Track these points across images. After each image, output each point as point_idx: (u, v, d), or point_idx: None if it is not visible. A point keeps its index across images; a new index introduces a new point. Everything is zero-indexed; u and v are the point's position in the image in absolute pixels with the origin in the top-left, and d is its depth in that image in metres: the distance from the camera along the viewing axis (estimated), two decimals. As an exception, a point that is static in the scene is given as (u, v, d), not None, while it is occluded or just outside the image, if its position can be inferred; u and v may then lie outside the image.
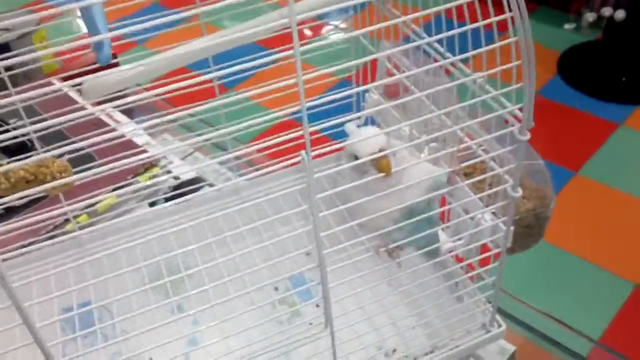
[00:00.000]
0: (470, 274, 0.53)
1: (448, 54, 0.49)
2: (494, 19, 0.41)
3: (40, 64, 1.00)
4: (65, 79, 0.93)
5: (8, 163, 0.46)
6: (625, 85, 2.19)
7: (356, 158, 0.52)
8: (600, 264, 1.64)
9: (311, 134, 0.40)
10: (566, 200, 1.79)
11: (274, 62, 0.40)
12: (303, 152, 0.39)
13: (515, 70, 0.42)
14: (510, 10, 0.39)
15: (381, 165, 0.51)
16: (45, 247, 0.64)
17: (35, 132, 0.53)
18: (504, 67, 0.41)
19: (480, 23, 0.41)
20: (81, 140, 0.41)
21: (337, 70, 0.41)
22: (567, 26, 2.41)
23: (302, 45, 0.35)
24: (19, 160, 0.43)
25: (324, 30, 2.23)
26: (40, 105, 0.73)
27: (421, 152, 0.58)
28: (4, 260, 0.36)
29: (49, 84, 0.91)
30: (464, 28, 0.42)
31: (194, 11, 0.35)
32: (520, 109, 0.43)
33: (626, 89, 2.18)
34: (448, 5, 0.43)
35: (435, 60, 0.51)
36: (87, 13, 0.40)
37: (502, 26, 0.42)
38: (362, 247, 0.58)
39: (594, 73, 2.24)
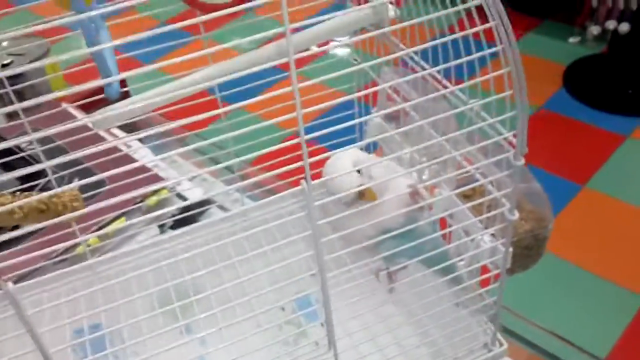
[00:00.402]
0: (471, 295, 0.54)
1: (445, 82, 0.51)
2: (486, 52, 0.42)
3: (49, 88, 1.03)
4: (75, 99, 0.96)
5: (20, 190, 0.48)
6: (631, 98, 2.20)
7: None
8: (608, 277, 1.64)
9: (313, 151, 0.41)
10: (573, 214, 1.79)
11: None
12: (304, 181, 0.40)
13: (509, 97, 0.43)
14: (501, 43, 0.40)
15: (366, 197, 0.52)
16: (56, 271, 0.66)
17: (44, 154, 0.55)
18: (497, 96, 0.43)
19: (475, 56, 0.42)
20: (95, 166, 0.43)
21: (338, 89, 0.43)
22: (572, 39, 2.42)
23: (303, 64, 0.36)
24: (29, 185, 0.44)
25: (331, 45, 2.26)
26: (47, 125, 0.75)
27: (422, 174, 0.59)
28: (15, 283, 0.38)
29: (64, 111, 0.93)
30: (458, 61, 0.43)
31: (198, 37, 0.36)
32: (515, 135, 0.44)
33: (632, 101, 2.19)
34: (444, 40, 0.44)
35: (433, 86, 0.53)
36: (97, 54, 0.42)
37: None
38: (366, 268, 0.59)
39: (599, 86, 2.25)
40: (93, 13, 0.29)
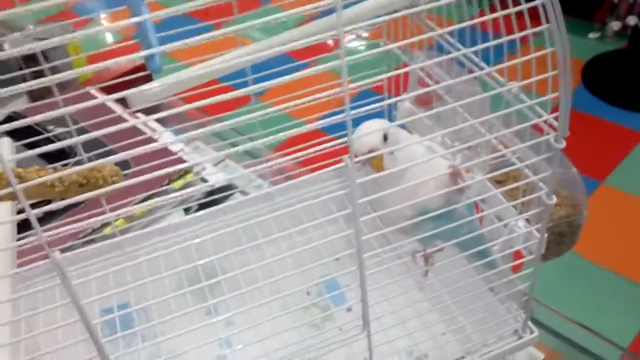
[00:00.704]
0: (503, 280, 0.54)
1: (483, 64, 0.50)
2: (530, 31, 0.42)
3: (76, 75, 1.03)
4: (102, 88, 0.96)
5: (56, 169, 0.48)
6: (651, 95, 2.18)
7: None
8: (626, 273, 1.63)
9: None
10: (591, 210, 1.78)
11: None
12: (346, 157, 0.40)
13: (551, 80, 0.43)
14: (548, 22, 0.40)
15: (371, 164, 0.53)
16: (87, 250, 0.66)
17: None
18: (541, 76, 0.42)
19: (517, 35, 0.42)
20: (120, 148, 0.43)
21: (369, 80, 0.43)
22: (591, 35, 2.40)
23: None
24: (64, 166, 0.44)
25: (347, 39, 2.25)
26: (79, 113, 0.75)
27: (455, 159, 0.59)
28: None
29: (87, 93, 0.94)
30: (499, 40, 0.43)
31: (229, 29, 0.36)
32: (556, 118, 0.44)
33: (652, 99, 2.17)
34: (484, 19, 0.44)
35: (470, 71, 0.52)
36: (140, 27, 0.42)
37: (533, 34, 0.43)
38: (394, 253, 0.59)
39: (618, 82, 2.23)
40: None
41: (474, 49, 0.46)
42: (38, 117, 0.32)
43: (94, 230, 0.74)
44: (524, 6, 0.41)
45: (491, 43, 0.44)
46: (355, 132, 0.55)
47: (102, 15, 2.40)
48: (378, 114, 0.68)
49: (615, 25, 2.27)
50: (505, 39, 0.43)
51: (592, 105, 2.17)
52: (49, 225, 0.62)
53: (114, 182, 0.43)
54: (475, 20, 0.44)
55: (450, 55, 0.47)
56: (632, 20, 2.18)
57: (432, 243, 0.56)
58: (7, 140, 0.60)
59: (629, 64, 2.27)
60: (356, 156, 0.51)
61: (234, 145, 0.95)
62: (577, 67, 2.29)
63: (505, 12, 0.42)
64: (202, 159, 0.92)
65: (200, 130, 0.41)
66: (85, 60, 1.07)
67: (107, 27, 0.36)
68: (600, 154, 2.00)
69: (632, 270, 1.63)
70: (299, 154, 0.45)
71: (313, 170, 0.74)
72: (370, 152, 0.52)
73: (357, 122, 0.49)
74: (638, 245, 1.70)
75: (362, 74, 0.61)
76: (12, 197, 0.35)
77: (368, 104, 0.48)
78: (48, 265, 0.65)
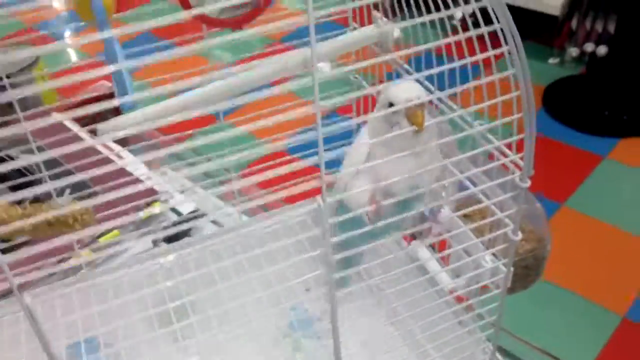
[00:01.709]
0: (471, 314, 0.55)
1: (450, 103, 0.51)
2: (496, 77, 0.43)
3: (40, 97, 1.02)
4: (66, 110, 0.95)
5: (24, 206, 0.48)
6: (609, 119, 2.24)
7: (390, 106, 0.49)
8: (587, 295, 1.66)
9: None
10: (553, 232, 1.82)
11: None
12: (319, 198, 0.40)
13: (516, 120, 0.44)
14: (512, 67, 0.41)
15: (416, 115, 0.47)
16: (54, 284, 0.65)
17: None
18: (506, 119, 0.43)
19: (485, 80, 0.43)
20: (81, 171, 0.42)
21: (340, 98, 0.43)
22: (551, 60, 2.47)
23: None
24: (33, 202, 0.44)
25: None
26: (40, 136, 0.74)
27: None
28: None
29: (61, 125, 0.92)
30: (466, 85, 0.44)
31: (192, 47, 0.36)
32: (522, 158, 0.45)
33: (609, 123, 2.24)
34: (440, 42, 0.45)
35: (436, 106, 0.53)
36: (116, 76, 0.42)
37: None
38: (365, 286, 0.60)
39: (578, 106, 2.29)
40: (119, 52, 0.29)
41: (444, 92, 0.47)
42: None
43: (59, 261, 0.72)
44: (484, 29, 0.42)
45: (457, 89, 0.46)
46: (392, 86, 0.51)
47: (67, 34, 2.37)
48: (348, 135, 0.68)
49: (573, 51, 2.34)
50: (462, 61, 0.44)
51: (552, 129, 2.23)
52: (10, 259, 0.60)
53: (84, 220, 0.42)
54: (446, 67, 0.45)
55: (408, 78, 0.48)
56: (589, 47, 2.25)
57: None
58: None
59: (587, 89, 2.34)
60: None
61: (204, 172, 0.95)
62: (538, 91, 2.35)
63: (465, 35, 0.43)
64: (169, 186, 0.91)
65: (164, 150, 0.39)
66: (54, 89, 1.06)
67: (83, 76, 0.35)
68: (561, 176, 2.04)
69: (593, 292, 1.67)
70: (268, 172, 0.43)
71: (286, 200, 0.74)
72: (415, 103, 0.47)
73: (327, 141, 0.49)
74: (600, 267, 1.74)
75: (330, 92, 0.62)
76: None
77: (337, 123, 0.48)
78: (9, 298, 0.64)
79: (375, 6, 0.57)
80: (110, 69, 0.29)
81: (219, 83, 0.50)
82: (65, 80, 0.32)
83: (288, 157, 0.66)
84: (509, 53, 0.41)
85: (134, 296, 0.53)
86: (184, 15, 0.44)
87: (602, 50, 2.22)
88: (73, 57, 2.60)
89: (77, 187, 0.78)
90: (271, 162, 0.55)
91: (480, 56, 0.44)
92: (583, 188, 2.00)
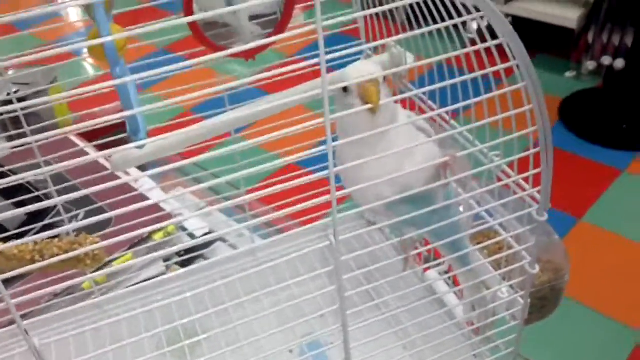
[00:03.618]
0: (489, 346, 0.54)
1: (466, 133, 0.51)
2: (512, 112, 0.42)
3: (56, 120, 1.02)
4: (84, 135, 0.96)
5: (36, 243, 0.47)
6: (626, 133, 2.22)
7: (344, 90, 0.46)
8: (605, 311, 1.64)
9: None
10: (569, 247, 1.79)
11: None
12: (331, 235, 0.40)
13: (533, 156, 0.43)
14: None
15: (369, 92, 0.43)
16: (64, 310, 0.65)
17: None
18: (523, 155, 0.43)
19: (500, 117, 0.43)
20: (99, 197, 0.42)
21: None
22: (568, 74, 2.45)
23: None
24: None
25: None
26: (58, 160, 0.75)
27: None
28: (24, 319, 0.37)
29: (67, 140, 0.93)
30: (483, 122, 0.43)
31: (200, 59, 0.35)
32: (539, 191, 0.45)
33: (627, 136, 2.21)
34: (446, 55, 0.44)
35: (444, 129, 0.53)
36: (125, 99, 0.42)
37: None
38: (378, 311, 0.59)
39: (595, 120, 2.27)
40: (128, 80, 0.29)
41: (464, 128, 0.46)
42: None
43: (72, 287, 0.72)
44: (490, 43, 0.41)
45: (474, 125, 0.45)
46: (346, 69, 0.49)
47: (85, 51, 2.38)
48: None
49: (590, 64, 2.32)
50: (487, 120, 0.44)
51: (569, 143, 2.21)
52: (13, 290, 0.60)
53: (95, 256, 0.42)
54: (462, 101, 0.44)
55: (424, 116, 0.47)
56: (606, 60, 2.23)
57: (406, 229, 0.52)
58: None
59: (604, 102, 2.31)
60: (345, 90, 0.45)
61: (216, 192, 0.95)
62: (555, 104, 2.33)
63: (472, 49, 0.42)
64: (180, 206, 0.91)
65: (174, 165, 0.39)
66: (67, 106, 1.06)
67: (90, 90, 0.35)
68: (578, 190, 2.02)
69: (612, 308, 1.64)
70: (278, 187, 0.41)
71: (294, 216, 0.74)
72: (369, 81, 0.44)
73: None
74: (619, 282, 1.72)
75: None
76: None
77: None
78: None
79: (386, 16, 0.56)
80: (125, 114, 0.29)
81: (231, 116, 0.50)
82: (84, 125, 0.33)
83: (298, 172, 0.65)
84: (522, 83, 0.40)
85: (146, 325, 0.53)
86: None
87: (620, 63, 2.20)
88: (90, 70, 2.63)
89: (89, 211, 0.78)
90: (282, 177, 0.54)
91: (490, 69, 0.42)
92: (601, 202, 1.98)
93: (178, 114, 0.70)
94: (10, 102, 0.97)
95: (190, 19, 0.32)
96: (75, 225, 0.35)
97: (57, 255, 0.42)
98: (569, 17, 2.32)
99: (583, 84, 2.42)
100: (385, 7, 0.38)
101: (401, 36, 0.39)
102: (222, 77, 0.61)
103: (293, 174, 0.63)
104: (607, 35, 2.24)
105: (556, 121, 2.28)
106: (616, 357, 1.53)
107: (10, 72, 1.07)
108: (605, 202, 1.98)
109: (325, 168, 0.37)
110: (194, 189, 0.89)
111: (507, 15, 2.38)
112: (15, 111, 0.59)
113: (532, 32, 2.46)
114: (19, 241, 0.41)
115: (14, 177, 0.32)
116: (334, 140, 0.36)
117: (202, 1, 0.58)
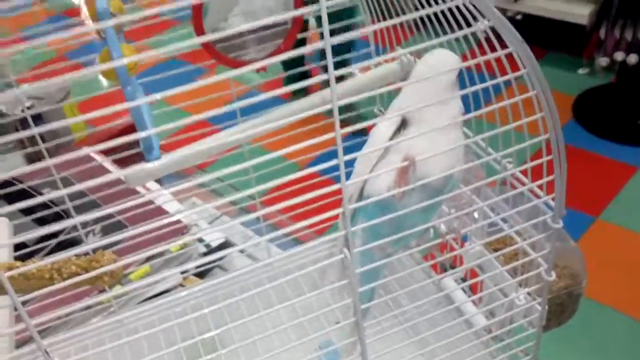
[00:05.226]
0: (508, 354, 0.53)
1: (479, 141, 0.51)
2: (524, 121, 0.42)
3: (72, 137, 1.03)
4: (96, 143, 0.96)
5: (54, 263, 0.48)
6: (641, 129, 2.20)
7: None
8: (624, 310, 1.62)
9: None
10: (587, 246, 1.78)
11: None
12: (346, 250, 0.40)
13: (546, 163, 0.43)
14: (541, 111, 0.40)
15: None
16: (84, 329, 0.65)
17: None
18: (537, 162, 0.43)
19: (511, 125, 0.42)
20: (113, 207, 0.42)
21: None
22: (580, 71, 2.43)
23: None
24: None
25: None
26: (75, 175, 0.75)
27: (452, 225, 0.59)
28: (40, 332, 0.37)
29: (78, 148, 0.93)
30: (495, 131, 0.43)
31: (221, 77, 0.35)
32: (553, 199, 0.44)
33: (642, 132, 2.19)
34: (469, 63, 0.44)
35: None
36: (137, 117, 0.43)
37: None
38: (395, 320, 0.59)
39: (609, 116, 2.25)
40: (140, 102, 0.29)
41: (480, 136, 0.46)
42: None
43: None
44: (500, 52, 0.41)
45: (486, 134, 0.45)
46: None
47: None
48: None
49: (603, 61, 2.30)
50: (500, 129, 0.44)
51: (583, 140, 2.19)
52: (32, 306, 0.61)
53: (112, 272, 0.43)
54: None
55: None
56: (619, 55, 2.21)
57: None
58: (3, 220, 0.59)
59: (617, 98, 2.29)
60: None
61: (231, 201, 0.95)
62: (568, 102, 2.31)
63: (482, 59, 0.42)
64: (197, 217, 0.91)
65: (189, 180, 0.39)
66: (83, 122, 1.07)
67: (106, 112, 0.35)
68: (594, 188, 2.00)
69: (632, 306, 1.63)
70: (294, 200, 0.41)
71: (310, 226, 0.74)
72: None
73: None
74: (637, 280, 1.70)
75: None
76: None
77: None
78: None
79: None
80: (140, 135, 0.30)
81: (248, 131, 0.50)
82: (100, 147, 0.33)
83: (313, 181, 0.65)
84: (536, 98, 0.40)
85: (165, 338, 0.53)
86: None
87: (633, 58, 2.18)
88: (103, 82, 2.65)
89: (107, 226, 0.79)
90: (294, 187, 0.54)
91: (500, 79, 0.42)
92: (618, 200, 1.96)
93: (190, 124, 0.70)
94: (25, 118, 0.98)
95: (204, 39, 0.32)
96: (96, 244, 0.36)
97: (76, 272, 0.42)
98: (580, 13, 2.31)
99: (596, 81, 2.40)
100: (397, 20, 0.38)
101: (412, 49, 0.39)
102: (232, 83, 0.61)
103: (306, 183, 0.63)
104: (619, 30, 2.22)
105: (570, 119, 2.26)
106: (636, 356, 1.51)
107: (24, 86, 1.08)
108: (622, 200, 1.96)
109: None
110: (210, 205, 0.90)
111: (517, 13, 2.36)
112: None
113: (543, 30, 2.45)
114: (37, 264, 0.42)
115: (39, 199, 0.32)
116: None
117: (210, 13, 0.58)
